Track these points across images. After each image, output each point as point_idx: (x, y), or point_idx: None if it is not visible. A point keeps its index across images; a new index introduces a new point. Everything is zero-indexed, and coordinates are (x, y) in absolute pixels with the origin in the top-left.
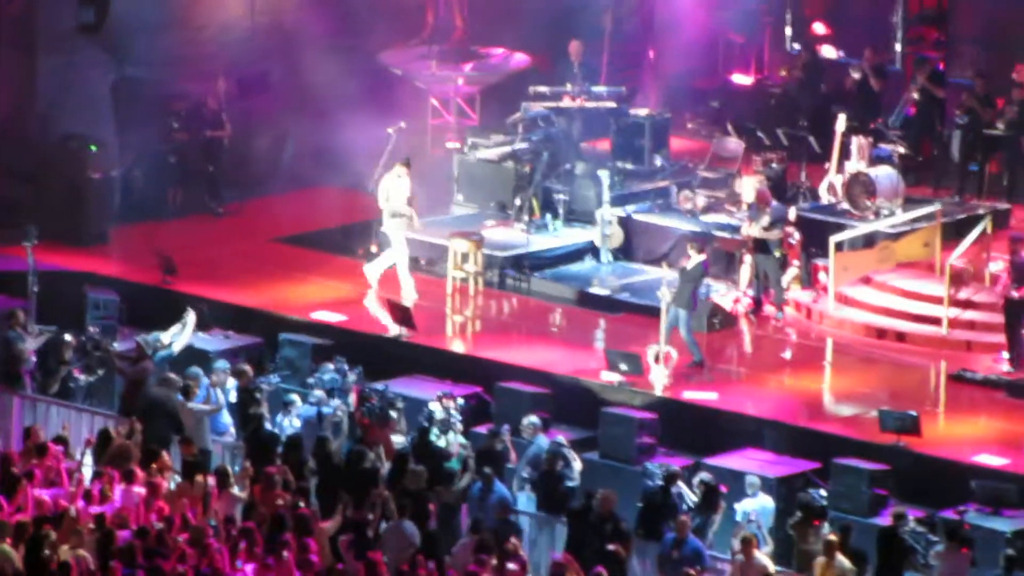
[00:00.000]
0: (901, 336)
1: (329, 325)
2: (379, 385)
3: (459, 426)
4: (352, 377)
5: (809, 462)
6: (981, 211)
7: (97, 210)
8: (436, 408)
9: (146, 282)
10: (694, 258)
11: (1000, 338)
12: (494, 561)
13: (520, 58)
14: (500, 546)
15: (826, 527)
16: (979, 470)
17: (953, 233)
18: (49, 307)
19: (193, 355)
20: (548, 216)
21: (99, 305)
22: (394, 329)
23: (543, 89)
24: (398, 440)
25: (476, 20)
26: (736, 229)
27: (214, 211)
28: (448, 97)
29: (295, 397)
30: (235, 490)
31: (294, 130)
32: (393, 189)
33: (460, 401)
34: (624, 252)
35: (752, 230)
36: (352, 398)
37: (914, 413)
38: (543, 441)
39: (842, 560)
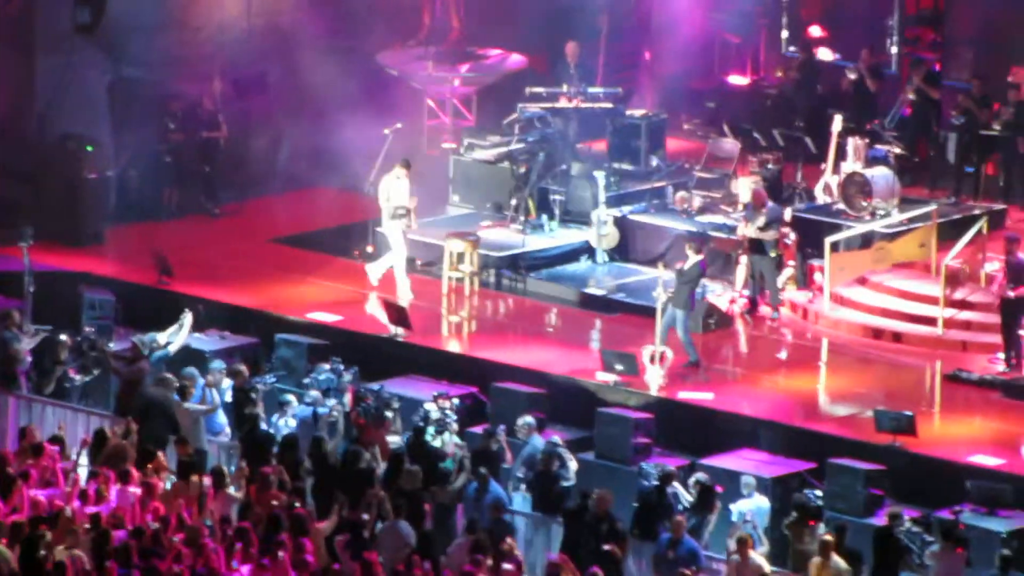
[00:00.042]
0: (897, 336)
1: (325, 325)
2: (375, 385)
3: (455, 426)
4: (348, 377)
5: (805, 462)
6: (977, 212)
7: (93, 210)
8: (432, 408)
9: (142, 282)
10: (692, 258)
11: (996, 338)
12: (489, 561)
13: (516, 59)
14: (495, 546)
15: (822, 527)
16: (974, 470)
17: (949, 234)
18: (45, 307)
19: (189, 355)
20: (544, 217)
21: (95, 305)
22: (393, 329)
23: (539, 90)
24: (394, 440)
25: (473, 21)
26: (732, 230)
27: (210, 212)
28: (444, 98)
29: (291, 397)
30: (231, 490)
31: (291, 131)
32: (393, 190)
33: (456, 401)
34: (620, 252)
35: (748, 231)
36: (348, 398)
37: (910, 413)
38: (538, 441)
39: (837, 560)
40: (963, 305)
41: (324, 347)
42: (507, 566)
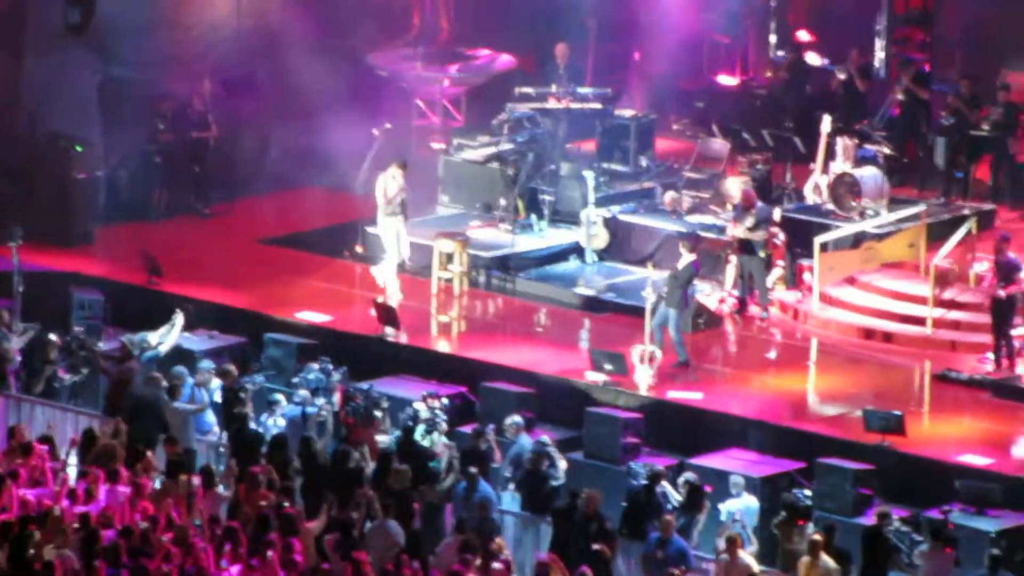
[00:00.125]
0: (888, 336)
1: (314, 325)
2: (364, 385)
3: (444, 426)
4: (337, 377)
5: (794, 462)
6: (966, 212)
7: (83, 210)
8: (421, 408)
9: (131, 282)
10: (685, 257)
11: (985, 338)
12: (478, 561)
13: (506, 59)
14: (485, 546)
15: (811, 527)
16: (963, 470)
17: (938, 234)
18: (34, 307)
19: (178, 355)
20: (533, 217)
21: (84, 305)
22: (390, 330)
23: (528, 90)
24: (383, 439)
25: (462, 21)
26: (721, 230)
27: (200, 212)
28: (434, 98)
29: (280, 397)
30: (220, 489)
31: (280, 131)
32: (390, 188)
33: (445, 401)
34: (609, 252)
35: (737, 231)
36: (337, 398)
37: (899, 413)
38: (525, 441)
39: (826, 560)
40: (952, 305)
41: (313, 347)
42: (496, 565)
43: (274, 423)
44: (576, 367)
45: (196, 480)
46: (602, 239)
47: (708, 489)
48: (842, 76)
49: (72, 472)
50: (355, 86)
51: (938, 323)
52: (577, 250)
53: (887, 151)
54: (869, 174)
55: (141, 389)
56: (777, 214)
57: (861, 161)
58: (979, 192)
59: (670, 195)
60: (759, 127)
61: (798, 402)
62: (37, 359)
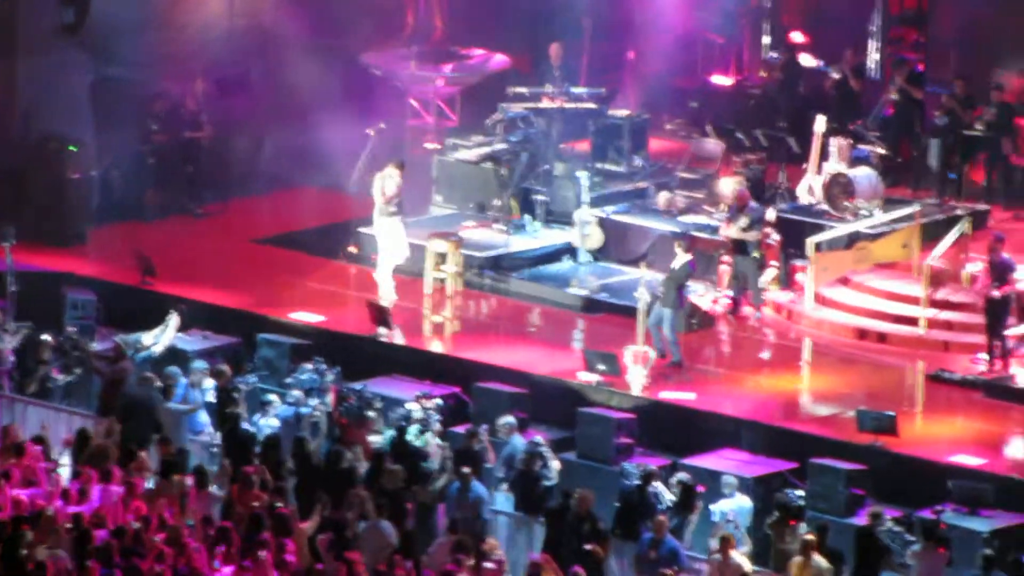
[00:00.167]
0: (881, 337)
1: (307, 325)
2: (357, 385)
3: (437, 426)
4: (330, 377)
5: (786, 462)
6: (960, 212)
7: (76, 210)
8: (415, 408)
9: (125, 282)
10: (680, 257)
11: (978, 338)
12: (471, 561)
13: (500, 59)
14: (477, 546)
15: (803, 527)
16: (956, 470)
17: (932, 234)
18: (27, 307)
19: (171, 355)
20: (527, 217)
21: (77, 305)
22: (383, 330)
23: (522, 90)
24: (376, 440)
25: (456, 21)
26: (715, 230)
27: (193, 212)
28: (428, 98)
29: (273, 397)
30: (213, 489)
31: (273, 131)
32: (387, 187)
33: (438, 401)
34: (603, 253)
35: (731, 231)
36: (330, 398)
37: (891, 413)
38: (518, 441)
39: (819, 560)
40: (945, 305)
41: (306, 347)
42: (489, 565)
43: (267, 423)
44: (569, 367)
45: (189, 480)
46: (595, 239)
47: (701, 489)
48: (836, 76)
49: (65, 472)
50: (349, 86)
51: (931, 323)
52: (570, 250)
53: (881, 151)
54: (863, 174)
55: (134, 389)
56: (771, 214)
57: (855, 161)
58: (973, 192)
59: (664, 195)
60: (753, 127)
61: (791, 402)
62: (30, 359)
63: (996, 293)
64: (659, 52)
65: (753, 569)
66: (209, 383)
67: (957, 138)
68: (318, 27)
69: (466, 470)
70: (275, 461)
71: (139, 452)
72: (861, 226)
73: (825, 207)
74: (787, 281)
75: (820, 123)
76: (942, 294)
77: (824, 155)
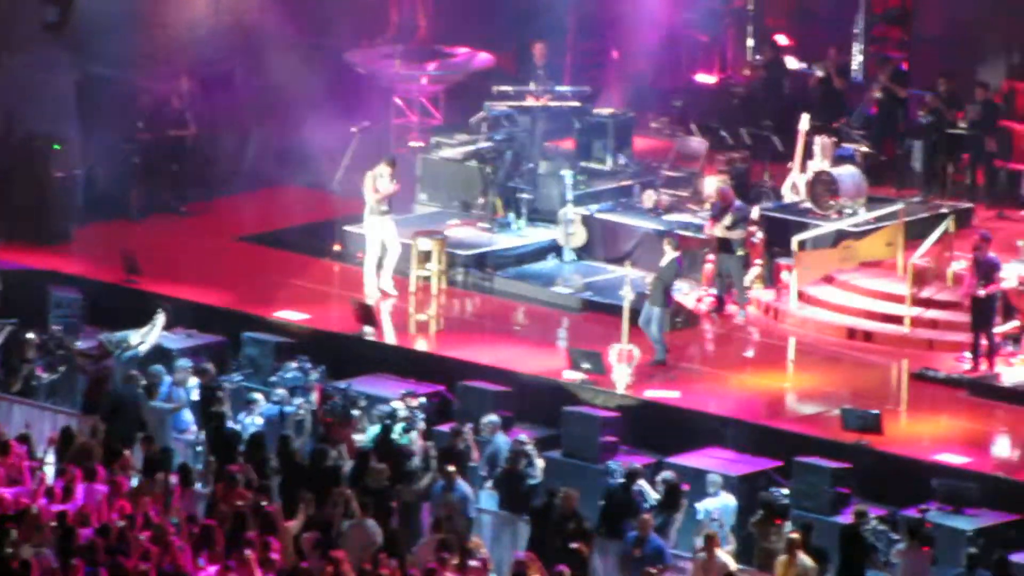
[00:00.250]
0: (866, 335)
1: (292, 324)
2: (341, 384)
3: (422, 425)
4: (314, 375)
5: (771, 460)
6: (944, 211)
7: (61, 209)
8: (399, 407)
9: (109, 281)
10: (668, 255)
11: (962, 337)
12: (456, 559)
13: (484, 57)
14: (462, 544)
15: (788, 525)
16: (940, 468)
17: (916, 232)
18: (12, 305)
19: (156, 353)
20: (511, 215)
21: (62, 303)
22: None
23: (507, 88)
24: (360, 438)
25: (440, 19)
26: (699, 228)
27: (178, 210)
28: (412, 96)
29: (258, 396)
30: (198, 487)
31: (258, 129)
32: (380, 187)
33: (423, 400)
34: (587, 251)
35: (715, 230)
36: (315, 397)
37: (876, 412)
38: (501, 440)
39: (804, 558)
40: (930, 304)
41: (291, 345)
42: (473, 563)
43: (252, 422)
44: (554, 366)
45: (173, 479)
46: (580, 237)
47: (685, 488)
48: (820, 74)
49: (50, 471)
50: (333, 84)
51: (916, 322)
52: (555, 248)
53: (865, 149)
54: (847, 172)
55: (119, 388)
56: (755, 213)
57: (839, 160)
58: (957, 191)
59: (648, 194)
60: (737, 125)
61: (775, 401)
62: (15, 357)
63: (982, 292)
64: (643, 50)
65: (738, 568)
66: (193, 381)
67: (941, 137)
68: (303, 26)
69: (451, 469)
70: (260, 459)
71: (124, 450)
72: (845, 224)
73: (809, 205)
74: (771, 279)
75: (804, 121)
76: (927, 292)
77: (808, 153)
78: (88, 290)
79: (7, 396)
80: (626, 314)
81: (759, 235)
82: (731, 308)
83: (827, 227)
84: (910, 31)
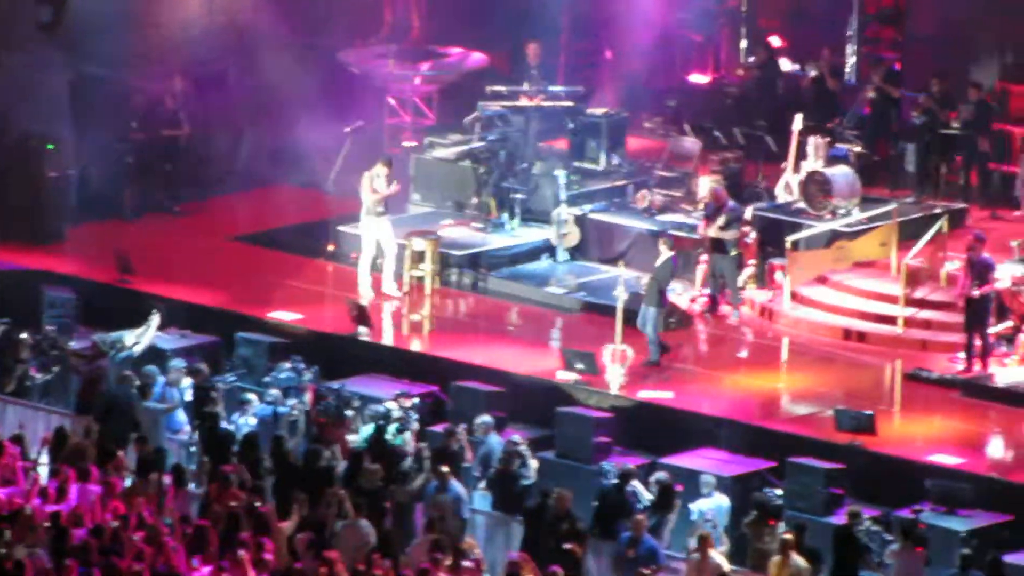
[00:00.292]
0: (860, 336)
1: (286, 324)
2: (335, 384)
3: (415, 425)
4: (308, 376)
5: (764, 461)
6: (937, 211)
7: (54, 208)
8: (393, 407)
9: (103, 280)
10: (664, 254)
11: (956, 337)
12: (449, 560)
13: (477, 57)
14: (455, 545)
15: (781, 526)
16: (934, 469)
17: (910, 232)
18: (5, 305)
19: (150, 353)
20: (505, 215)
21: (55, 303)
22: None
23: (500, 88)
24: (353, 439)
25: (433, 19)
26: (693, 228)
27: (171, 210)
28: (405, 96)
29: (251, 396)
30: (191, 487)
31: (252, 129)
32: (378, 187)
33: (416, 400)
34: (580, 251)
35: (709, 230)
36: (308, 397)
37: (870, 412)
38: (494, 440)
39: (797, 559)
40: (923, 304)
41: (285, 346)
42: (467, 564)
43: (245, 422)
44: (547, 366)
45: (167, 479)
46: (573, 237)
47: (679, 488)
48: (813, 74)
49: (43, 471)
50: (327, 84)
51: (909, 322)
52: (549, 249)
53: (858, 150)
54: (840, 173)
55: (113, 388)
56: (748, 213)
57: (832, 160)
58: (950, 191)
59: (642, 194)
60: (731, 125)
61: (769, 401)
62: (8, 358)
63: (976, 292)
64: (637, 50)
65: (731, 568)
66: (187, 382)
67: (934, 137)
68: (296, 25)
69: (444, 469)
70: (253, 460)
71: (117, 451)
72: (839, 225)
73: (803, 206)
74: (765, 280)
75: (798, 122)
76: (920, 293)
77: (802, 154)
78: (82, 290)
79: (1, 396)
80: (619, 314)
81: (752, 235)
82: (725, 309)
83: (820, 227)
84: (903, 31)
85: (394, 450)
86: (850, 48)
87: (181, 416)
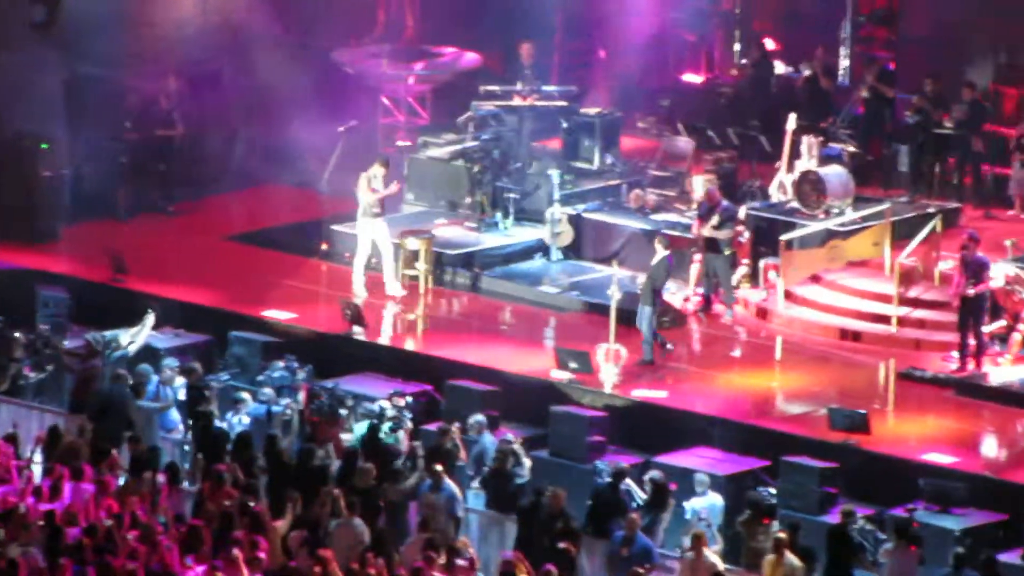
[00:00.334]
0: (854, 335)
1: (280, 323)
2: (328, 383)
3: (409, 424)
4: (302, 375)
5: (758, 460)
6: (931, 210)
7: (48, 208)
8: (387, 406)
9: (96, 280)
10: (659, 253)
11: (949, 336)
12: (443, 559)
13: (471, 57)
14: (449, 544)
15: (775, 525)
16: (928, 468)
17: (903, 232)
18: None
19: (143, 352)
20: (498, 215)
21: (49, 303)
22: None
23: (494, 88)
24: (347, 437)
25: (427, 19)
26: (687, 228)
27: (165, 209)
28: (399, 96)
29: (245, 395)
30: (185, 486)
31: (246, 128)
32: (376, 187)
33: (410, 399)
34: (574, 250)
35: (703, 229)
36: (302, 396)
37: (863, 411)
38: (488, 439)
39: (791, 558)
40: (917, 303)
41: (278, 345)
42: (460, 563)
43: (239, 421)
44: (541, 365)
45: (161, 478)
46: (567, 237)
47: (673, 487)
48: (807, 73)
49: (37, 470)
50: (321, 83)
51: (903, 321)
52: (542, 248)
53: (852, 149)
54: (834, 172)
55: (106, 387)
56: (742, 212)
57: (826, 159)
58: (944, 191)
59: (635, 193)
60: (724, 125)
61: (763, 400)
62: (2, 356)
63: (971, 291)
64: (630, 50)
65: (725, 567)
66: (181, 381)
67: (928, 137)
68: (290, 25)
69: (438, 468)
70: (247, 459)
71: (111, 450)
72: (832, 224)
73: (797, 205)
74: (758, 279)
75: (791, 121)
76: (914, 292)
77: (795, 153)
78: (75, 289)
79: None
80: (613, 314)
81: (746, 235)
82: (718, 308)
83: (814, 227)
84: (896, 31)
85: (388, 449)
86: (844, 48)
87: (175, 415)
